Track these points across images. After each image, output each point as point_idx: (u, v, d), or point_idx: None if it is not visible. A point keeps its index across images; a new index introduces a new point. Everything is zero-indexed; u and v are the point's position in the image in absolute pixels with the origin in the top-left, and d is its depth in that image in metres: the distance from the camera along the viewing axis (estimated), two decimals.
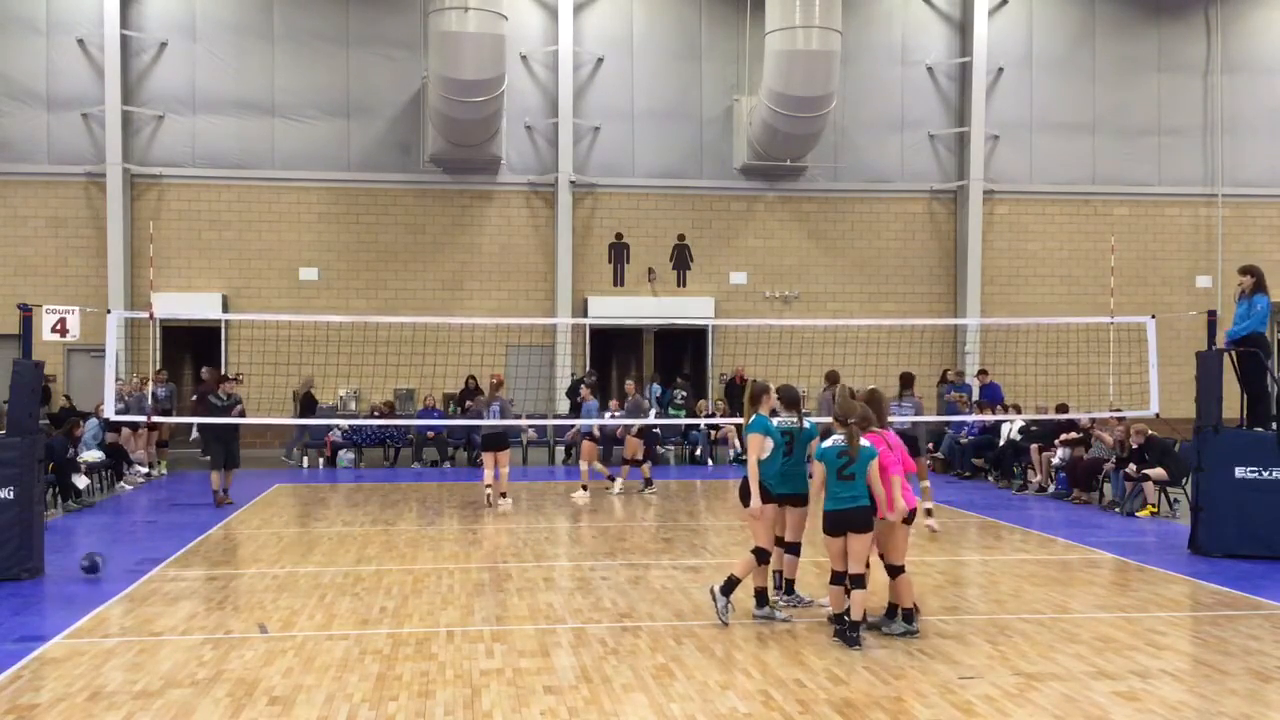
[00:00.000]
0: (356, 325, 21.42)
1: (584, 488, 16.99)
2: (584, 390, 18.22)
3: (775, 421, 9.16)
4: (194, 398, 17.04)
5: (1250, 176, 27.64)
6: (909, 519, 8.69)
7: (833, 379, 18.05)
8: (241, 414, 16.88)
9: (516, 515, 15.41)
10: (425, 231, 25.50)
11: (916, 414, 14.69)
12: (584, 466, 17.31)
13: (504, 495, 16.06)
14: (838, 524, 8.30)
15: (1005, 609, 9.60)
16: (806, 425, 9.31)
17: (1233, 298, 13.19)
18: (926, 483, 13.76)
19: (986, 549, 12.69)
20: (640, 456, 17.73)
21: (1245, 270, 12.67)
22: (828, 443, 8.43)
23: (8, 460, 10.78)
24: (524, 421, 17.23)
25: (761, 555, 8.91)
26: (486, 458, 16.03)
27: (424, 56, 24.38)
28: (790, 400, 9.35)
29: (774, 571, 9.45)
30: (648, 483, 17.75)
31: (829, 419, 9.71)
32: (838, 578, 8.38)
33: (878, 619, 8.70)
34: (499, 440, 15.98)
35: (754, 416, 8.98)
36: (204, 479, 17.24)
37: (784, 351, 21.80)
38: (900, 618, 8.60)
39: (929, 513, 13.58)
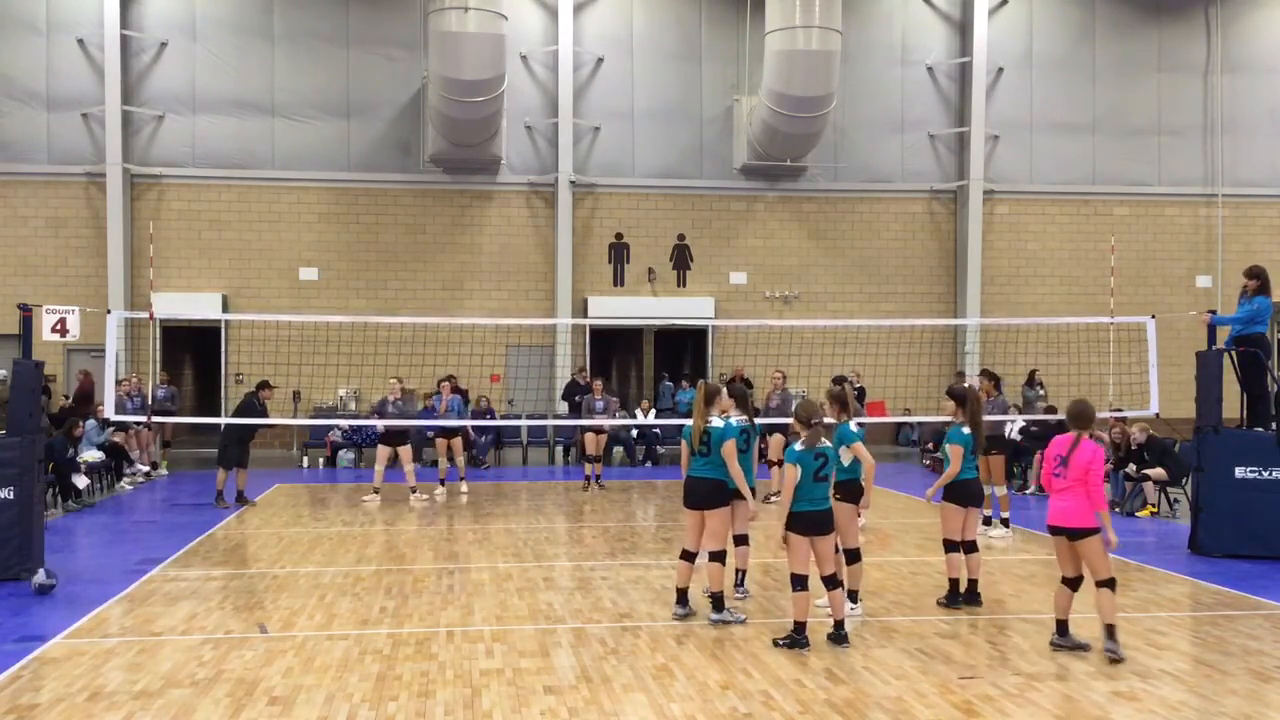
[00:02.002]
0: (356, 325, 21.44)
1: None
2: (443, 387, 18.19)
3: (734, 421, 9.26)
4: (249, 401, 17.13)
5: (1250, 176, 27.65)
6: (1082, 535, 7.97)
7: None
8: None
9: (516, 515, 15.43)
10: (425, 231, 25.50)
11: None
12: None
13: (414, 490, 16.80)
14: (810, 525, 8.22)
15: (1005, 609, 9.59)
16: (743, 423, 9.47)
17: (1237, 298, 13.19)
18: (1002, 490, 13.79)
19: (987, 549, 12.65)
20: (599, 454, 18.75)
21: (1251, 274, 12.68)
22: (801, 445, 8.29)
23: (8, 460, 10.78)
24: (413, 421, 17.64)
25: (723, 556, 9.00)
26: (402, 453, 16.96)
27: (424, 56, 24.37)
28: (741, 398, 9.61)
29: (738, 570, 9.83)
30: (597, 482, 18.53)
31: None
32: (801, 582, 8.22)
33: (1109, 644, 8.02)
34: (398, 437, 16.93)
35: (725, 421, 9.06)
36: (203, 479, 17.22)
37: (784, 352, 21.81)
38: (1108, 635, 8.02)
39: (1005, 522, 13.63)
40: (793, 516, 8.24)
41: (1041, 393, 21.68)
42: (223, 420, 18.25)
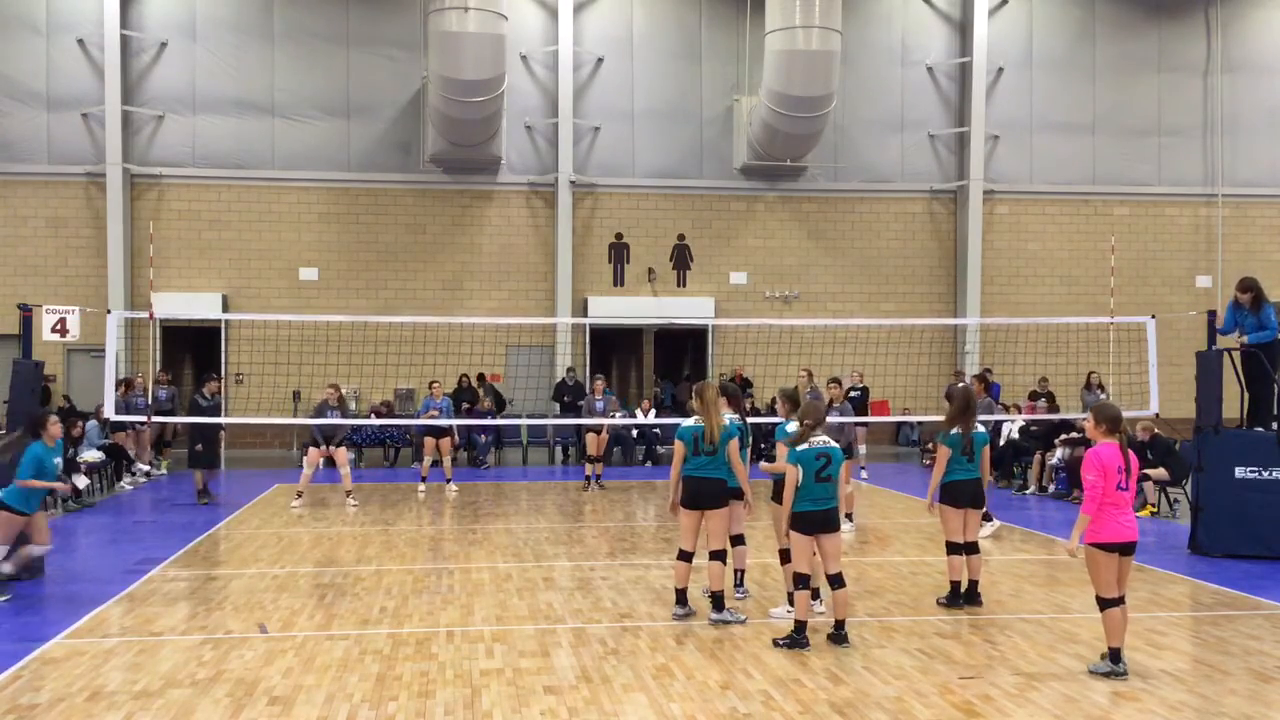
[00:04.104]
0: (356, 325, 21.43)
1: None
2: (434, 388, 18.09)
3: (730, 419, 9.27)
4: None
5: (1250, 176, 27.63)
6: (1128, 550, 7.52)
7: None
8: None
9: (516, 515, 15.42)
10: (425, 231, 25.49)
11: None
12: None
13: (349, 494, 16.51)
14: (813, 524, 8.25)
15: (1005, 609, 9.59)
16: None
17: (1228, 305, 13.11)
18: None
19: (986, 549, 12.67)
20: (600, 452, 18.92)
21: (1244, 287, 12.60)
22: (804, 445, 8.31)
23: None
24: (349, 420, 17.56)
25: (724, 556, 9.03)
26: (315, 453, 16.66)
27: (424, 56, 24.35)
28: (734, 397, 9.65)
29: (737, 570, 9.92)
30: (596, 482, 18.60)
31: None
32: (803, 581, 8.26)
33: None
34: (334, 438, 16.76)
35: (728, 419, 9.08)
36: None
37: (784, 351, 21.82)
38: (1107, 657, 7.62)
39: (987, 516, 13.51)
40: (794, 516, 8.26)
41: (1103, 396, 20.63)
42: (199, 419, 17.82)
